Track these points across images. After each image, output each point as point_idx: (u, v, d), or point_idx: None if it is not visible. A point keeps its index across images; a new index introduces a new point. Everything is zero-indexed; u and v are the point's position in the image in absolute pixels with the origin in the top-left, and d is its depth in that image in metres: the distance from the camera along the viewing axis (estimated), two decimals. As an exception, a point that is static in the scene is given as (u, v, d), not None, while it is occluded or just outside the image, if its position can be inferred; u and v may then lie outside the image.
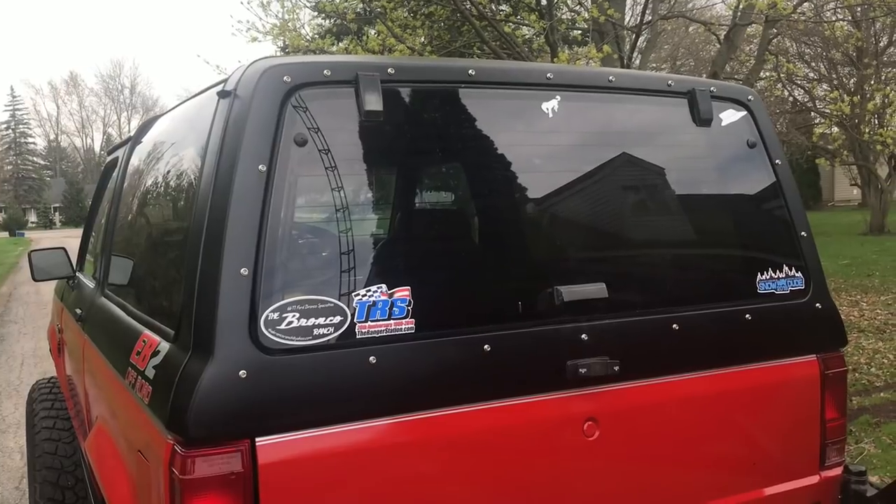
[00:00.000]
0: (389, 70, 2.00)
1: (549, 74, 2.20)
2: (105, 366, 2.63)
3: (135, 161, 3.19)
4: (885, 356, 7.45)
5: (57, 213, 75.95)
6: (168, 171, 2.59)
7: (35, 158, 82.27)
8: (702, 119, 2.38)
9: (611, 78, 2.30)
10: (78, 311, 3.43)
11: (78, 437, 3.73)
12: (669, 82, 2.40)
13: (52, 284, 4.77)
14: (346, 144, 1.98)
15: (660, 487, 2.25)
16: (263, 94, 1.87)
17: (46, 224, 72.51)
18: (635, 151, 2.37)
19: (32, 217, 74.62)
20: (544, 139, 2.25)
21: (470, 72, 2.10)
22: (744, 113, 2.49)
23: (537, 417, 2.05)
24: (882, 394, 6.25)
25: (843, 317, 2.59)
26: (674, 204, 2.44)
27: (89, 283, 3.56)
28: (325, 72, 1.93)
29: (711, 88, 2.43)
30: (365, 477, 1.86)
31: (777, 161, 2.49)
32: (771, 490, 2.40)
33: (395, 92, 2.01)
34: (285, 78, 1.89)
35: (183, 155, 2.39)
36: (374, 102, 1.92)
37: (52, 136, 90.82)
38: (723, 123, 2.45)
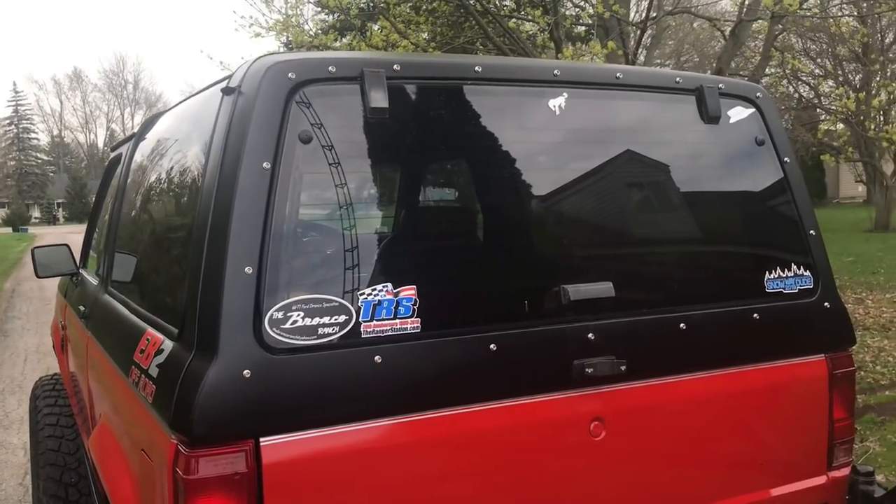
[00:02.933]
0: (395, 66, 1.98)
1: (556, 71, 2.18)
2: (108, 363, 2.62)
3: (138, 158, 3.17)
4: (891, 354, 7.43)
5: (60, 209, 76.02)
6: (172, 168, 2.58)
7: (38, 154, 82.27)
8: (710, 116, 2.36)
9: (618, 75, 2.28)
10: (81, 307, 3.42)
11: (81, 434, 3.73)
12: (677, 79, 2.37)
13: (56, 281, 4.76)
14: (351, 142, 1.96)
15: (666, 487, 2.23)
16: (268, 90, 1.85)
17: (50, 220, 72.61)
18: (642, 149, 2.34)
19: (36, 213, 74.74)
20: (551, 136, 2.23)
21: (476, 68, 2.08)
22: (752, 110, 2.46)
23: (544, 417, 2.04)
24: (887, 392, 6.22)
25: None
26: (681, 202, 2.42)
27: (93, 280, 3.56)
28: (329, 68, 1.92)
29: (720, 85, 2.40)
30: (370, 477, 1.85)
31: (786, 159, 2.47)
32: (778, 490, 2.38)
33: (401, 89, 1.99)
34: (290, 74, 1.87)
35: (187, 152, 2.38)
36: (379, 99, 1.91)
37: (55, 132, 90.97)
38: (731, 121, 2.43)
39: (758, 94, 2.49)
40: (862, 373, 6.77)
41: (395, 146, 2.08)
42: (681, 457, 2.24)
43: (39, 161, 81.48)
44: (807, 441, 2.43)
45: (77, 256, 4.15)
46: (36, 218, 72.67)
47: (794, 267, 2.40)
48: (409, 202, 2.25)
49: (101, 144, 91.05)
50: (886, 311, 9.64)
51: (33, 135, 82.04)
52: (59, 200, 76.07)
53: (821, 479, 2.44)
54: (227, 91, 1.96)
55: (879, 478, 4.29)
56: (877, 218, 22.22)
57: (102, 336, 2.89)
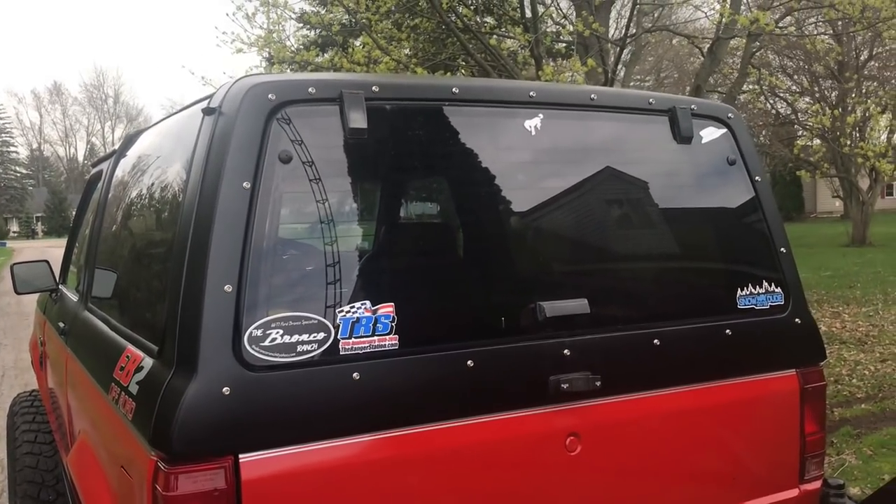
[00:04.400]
0: (374, 88, 2.01)
1: (531, 92, 2.23)
2: (88, 380, 2.62)
3: (119, 175, 3.18)
4: (867, 368, 7.52)
5: (39, 223, 75.45)
6: (152, 187, 2.59)
7: (17, 168, 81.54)
8: (682, 136, 2.41)
9: (593, 96, 2.33)
10: (61, 324, 3.41)
11: (60, 450, 3.71)
12: (650, 100, 2.42)
13: (35, 296, 4.74)
14: (330, 162, 1.99)
15: (641, 501, 2.26)
16: (248, 111, 1.88)
17: (29, 234, 72.02)
18: (617, 169, 2.39)
19: (14, 227, 74.15)
20: (527, 156, 2.27)
21: (454, 90, 2.13)
22: (724, 130, 2.52)
23: (520, 433, 2.06)
24: (863, 405, 6.30)
25: (825, 328, 2.64)
26: (655, 220, 2.46)
27: (73, 296, 3.55)
28: (309, 89, 1.95)
29: (692, 106, 2.46)
30: (348, 493, 1.87)
31: (757, 178, 2.53)
32: (751, 503, 2.42)
33: (380, 109, 2.02)
34: (270, 95, 1.91)
35: (168, 170, 2.40)
36: (358, 120, 1.94)
37: (34, 146, 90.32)
38: (703, 141, 2.48)
39: (729, 114, 2.55)
40: (839, 386, 6.85)
41: (374, 166, 2.12)
42: (655, 471, 2.28)
43: (18, 175, 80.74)
44: (779, 454, 2.48)
45: (56, 272, 4.14)
46: (14, 232, 72.08)
47: (765, 283, 2.45)
48: (388, 221, 2.27)
49: (81, 158, 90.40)
50: (862, 325, 9.74)
51: (12, 148, 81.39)
52: (38, 214, 75.47)
53: (793, 493, 2.49)
54: (207, 111, 1.99)
55: (855, 490, 4.35)
56: (853, 233, 22.51)
57: (82, 353, 2.89)
